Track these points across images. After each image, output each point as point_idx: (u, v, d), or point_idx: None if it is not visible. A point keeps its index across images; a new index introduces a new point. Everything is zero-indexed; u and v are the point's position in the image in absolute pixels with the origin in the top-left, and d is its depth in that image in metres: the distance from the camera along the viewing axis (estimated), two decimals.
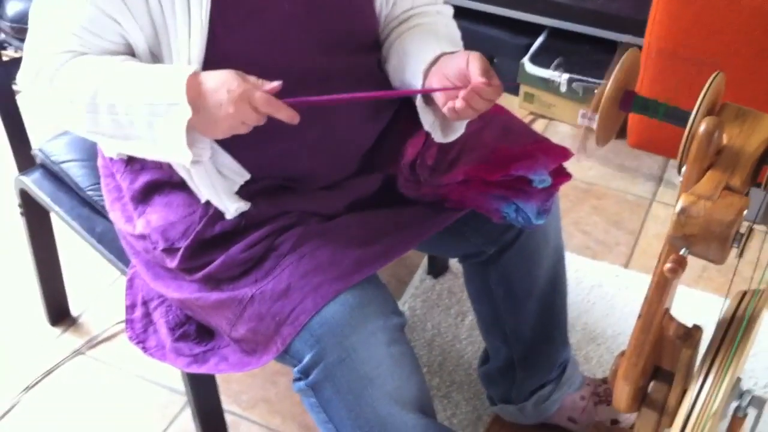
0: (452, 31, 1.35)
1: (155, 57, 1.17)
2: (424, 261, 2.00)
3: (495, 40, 2.55)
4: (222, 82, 1.08)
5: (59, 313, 1.90)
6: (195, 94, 1.08)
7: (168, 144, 1.11)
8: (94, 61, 1.15)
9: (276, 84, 1.10)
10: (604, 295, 1.94)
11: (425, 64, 1.20)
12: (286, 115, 1.09)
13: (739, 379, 1.05)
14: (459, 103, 1.13)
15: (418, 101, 1.22)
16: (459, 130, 1.26)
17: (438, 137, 1.25)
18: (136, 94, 1.11)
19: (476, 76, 1.12)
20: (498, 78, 1.14)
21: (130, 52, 1.18)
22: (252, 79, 1.09)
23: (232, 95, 1.07)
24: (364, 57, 1.30)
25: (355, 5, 1.27)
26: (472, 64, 1.13)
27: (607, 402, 1.54)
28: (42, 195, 1.59)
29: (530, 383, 1.53)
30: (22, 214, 1.71)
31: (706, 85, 1.01)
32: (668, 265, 0.93)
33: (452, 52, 1.20)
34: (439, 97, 1.17)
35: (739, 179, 0.97)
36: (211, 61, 1.15)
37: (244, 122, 1.09)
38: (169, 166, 1.24)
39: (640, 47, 2.10)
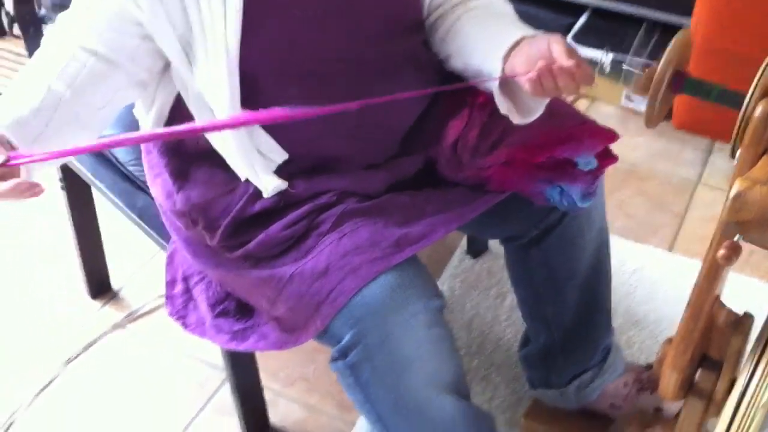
0: (511, 11, 1.29)
1: (188, 51, 1.15)
2: (463, 241, 1.98)
3: (537, 19, 2.50)
4: None
5: (100, 286, 1.92)
6: None
7: None
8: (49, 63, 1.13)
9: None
10: (646, 279, 1.91)
11: (505, 49, 1.14)
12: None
13: None
14: (540, 67, 1.05)
15: (494, 86, 1.17)
16: (537, 110, 1.19)
17: (516, 119, 1.19)
18: None
19: (563, 59, 1.05)
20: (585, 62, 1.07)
21: (154, 49, 1.16)
22: None
23: None
24: (405, 41, 1.27)
25: None
26: (556, 47, 1.07)
27: (650, 389, 1.52)
28: (83, 169, 1.60)
29: (571, 368, 1.51)
30: (63, 188, 1.72)
31: (762, 67, 0.98)
32: (722, 252, 0.90)
33: (532, 36, 1.14)
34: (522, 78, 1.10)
35: None
36: (248, 48, 1.13)
37: None
38: (207, 141, 1.23)
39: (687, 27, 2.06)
